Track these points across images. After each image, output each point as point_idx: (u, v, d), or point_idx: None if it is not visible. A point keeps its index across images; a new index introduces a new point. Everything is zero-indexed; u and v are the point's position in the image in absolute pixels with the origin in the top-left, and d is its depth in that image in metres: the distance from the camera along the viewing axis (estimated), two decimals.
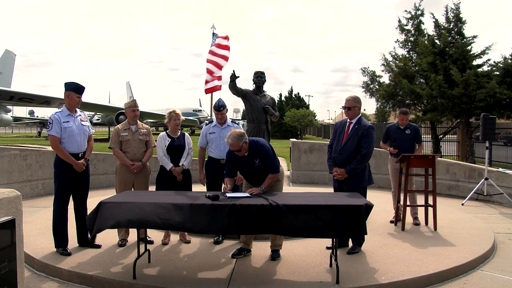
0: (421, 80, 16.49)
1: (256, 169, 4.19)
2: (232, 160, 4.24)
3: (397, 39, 17.92)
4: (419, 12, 17.19)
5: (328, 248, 4.51)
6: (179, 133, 4.98)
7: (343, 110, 4.75)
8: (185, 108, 49.51)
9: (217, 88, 6.53)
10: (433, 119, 15.61)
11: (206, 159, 5.13)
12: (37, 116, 61.00)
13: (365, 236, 3.64)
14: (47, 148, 9.09)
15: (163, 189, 4.76)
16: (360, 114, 4.68)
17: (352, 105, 4.61)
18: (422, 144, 6.16)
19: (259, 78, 6.01)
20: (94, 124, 46.71)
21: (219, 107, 4.91)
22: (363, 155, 4.48)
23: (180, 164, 4.85)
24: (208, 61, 6.55)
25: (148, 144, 5.00)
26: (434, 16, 16.47)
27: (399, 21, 17.59)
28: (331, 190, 4.91)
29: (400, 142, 5.96)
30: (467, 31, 16.61)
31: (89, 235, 4.58)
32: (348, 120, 4.70)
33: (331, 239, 4.40)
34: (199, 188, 5.31)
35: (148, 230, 4.40)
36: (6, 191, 2.52)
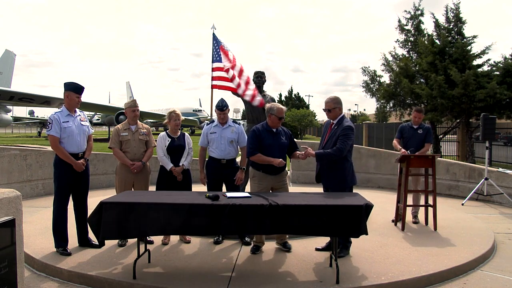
0: (421, 80, 16.49)
1: (280, 145, 4.51)
2: (258, 137, 4.45)
3: (397, 39, 17.95)
4: (419, 12, 17.21)
5: (317, 249, 4.50)
6: (179, 133, 4.98)
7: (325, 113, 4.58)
8: (185, 108, 49.52)
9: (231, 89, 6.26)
10: (433, 119, 15.61)
11: (207, 159, 5.13)
12: (37, 116, 61.02)
13: (365, 236, 3.63)
14: (47, 148, 9.09)
15: (163, 189, 4.76)
16: (343, 114, 4.52)
17: (332, 107, 4.46)
18: (430, 144, 6.12)
19: (259, 78, 6.01)
20: (94, 124, 46.72)
21: (222, 107, 4.90)
22: (337, 148, 4.28)
23: (180, 164, 4.85)
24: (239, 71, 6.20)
25: (148, 144, 5.00)
26: (434, 16, 16.50)
27: (399, 21, 17.61)
28: None
29: (411, 141, 5.98)
30: (467, 31, 16.63)
31: (92, 240, 4.61)
32: (331, 120, 4.59)
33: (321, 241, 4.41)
34: (199, 188, 5.31)
35: None
36: (6, 191, 2.52)
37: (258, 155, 4.40)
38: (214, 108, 5.06)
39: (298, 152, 4.56)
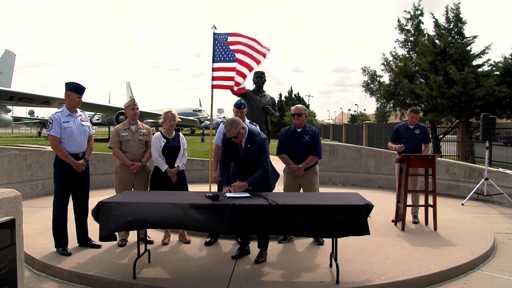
0: (421, 80, 16.50)
1: (303, 144, 4.84)
2: (284, 137, 4.89)
3: (397, 39, 17.96)
4: (418, 12, 17.22)
5: (233, 257, 4.30)
6: (174, 134, 4.93)
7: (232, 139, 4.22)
8: (185, 108, 49.50)
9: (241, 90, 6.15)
10: (433, 119, 15.61)
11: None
12: (37, 116, 61.03)
13: (365, 236, 3.63)
14: (47, 148, 9.09)
15: (157, 189, 4.70)
16: (246, 130, 4.28)
17: (237, 132, 4.13)
18: (429, 144, 6.11)
19: (259, 78, 6.00)
20: (94, 124, 46.71)
21: (240, 105, 4.86)
22: (265, 171, 4.22)
23: (175, 165, 4.80)
24: (240, 62, 5.97)
25: (148, 144, 4.98)
26: (434, 16, 16.51)
27: (399, 21, 17.62)
28: (331, 190, 4.91)
29: (408, 142, 5.94)
30: (467, 31, 16.63)
31: (92, 240, 4.62)
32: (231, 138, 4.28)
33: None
34: (198, 188, 5.30)
35: (148, 230, 4.40)
36: (6, 191, 2.52)
37: (282, 156, 4.93)
38: (232, 107, 4.93)
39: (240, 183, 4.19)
